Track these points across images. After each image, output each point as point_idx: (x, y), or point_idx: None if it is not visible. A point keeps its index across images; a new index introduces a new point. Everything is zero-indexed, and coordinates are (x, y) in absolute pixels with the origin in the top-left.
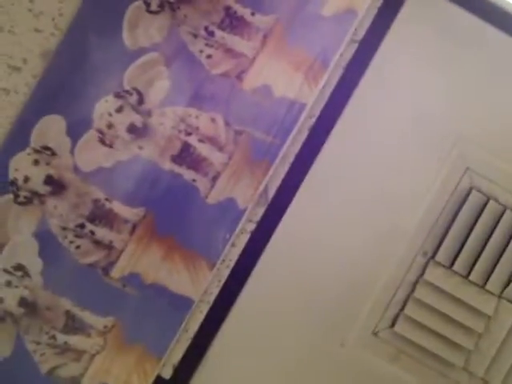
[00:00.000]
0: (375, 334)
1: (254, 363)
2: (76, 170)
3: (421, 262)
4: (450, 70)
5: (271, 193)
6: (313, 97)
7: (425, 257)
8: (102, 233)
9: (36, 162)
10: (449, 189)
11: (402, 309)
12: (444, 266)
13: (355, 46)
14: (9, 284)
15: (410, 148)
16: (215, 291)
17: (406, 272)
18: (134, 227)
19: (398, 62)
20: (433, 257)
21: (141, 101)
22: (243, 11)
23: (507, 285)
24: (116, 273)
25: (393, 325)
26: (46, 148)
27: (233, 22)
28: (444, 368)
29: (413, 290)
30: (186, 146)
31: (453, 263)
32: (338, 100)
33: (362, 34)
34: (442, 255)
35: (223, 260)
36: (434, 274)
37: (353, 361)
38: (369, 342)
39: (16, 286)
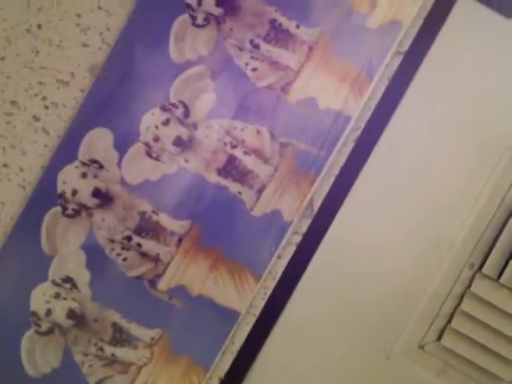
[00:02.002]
0: (421, 347)
1: (300, 375)
2: (123, 182)
3: (467, 274)
4: (498, 79)
5: (317, 205)
6: (358, 109)
7: (471, 269)
8: (148, 245)
9: (84, 175)
10: (496, 200)
11: (449, 322)
12: (491, 278)
13: (400, 57)
14: (57, 296)
15: (457, 159)
16: (261, 303)
17: (452, 284)
18: (181, 240)
19: (444, 72)
20: (480, 269)
21: (187, 114)
22: (288, 24)
23: None
24: (163, 285)
25: (439, 338)
26: (94, 161)
27: (278, 35)
28: (491, 382)
29: (459, 302)
30: (232, 159)
31: (500, 275)
32: (384, 112)
33: (407, 45)
34: (489, 267)
35: (269, 272)
36: (480, 287)
37: (398, 374)
38: (415, 355)
39: (64, 298)
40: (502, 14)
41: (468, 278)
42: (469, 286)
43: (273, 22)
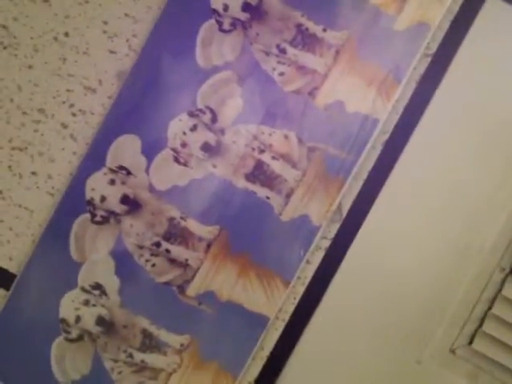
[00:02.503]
0: (452, 351)
1: (329, 380)
2: (151, 188)
3: (498, 277)
4: None
5: (345, 209)
6: (386, 112)
7: (502, 272)
8: (177, 251)
9: (112, 182)
10: None
11: (480, 326)
12: None
13: (428, 59)
14: (87, 303)
15: (487, 162)
16: (290, 308)
17: (483, 288)
18: (209, 245)
19: (472, 75)
20: (511, 272)
21: (214, 119)
22: (315, 28)
23: None
24: (191, 291)
25: (471, 342)
26: (122, 168)
27: (304, 39)
28: None
29: (490, 306)
30: (260, 164)
31: None
32: (412, 114)
33: (434, 47)
34: None
35: (298, 277)
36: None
37: (429, 378)
38: (446, 360)
39: (94, 305)
40: None
41: (499, 281)
42: (500, 290)
43: (299, 26)
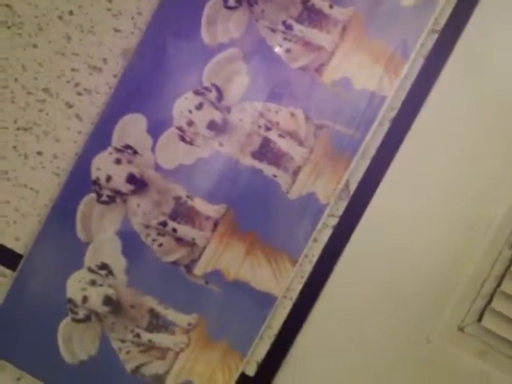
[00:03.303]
0: (461, 329)
1: (338, 359)
2: (157, 167)
3: (507, 254)
4: None
5: (353, 187)
6: (393, 88)
7: (511, 249)
8: (184, 230)
9: (118, 161)
10: None
11: (489, 303)
12: None
13: (435, 35)
14: (93, 283)
15: (495, 138)
16: (298, 287)
17: (492, 265)
18: (216, 224)
19: (480, 50)
20: None
21: (220, 97)
22: (321, 4)
23: None
24: (199, 270)
25: (480, 319)
26: (128, 147)
27: (311, 16)
28: None
29: (499, 283)
30: (266, 142)
31: None
32: (419, 91)
33: (442, 23)
34: None
35: (306, 255)
36: None
37: (439, 356)
38: (455, 338)
39: (100, 285)
40: None
41: (508, 258)
42: (509, 267)
43: (305, 2)
